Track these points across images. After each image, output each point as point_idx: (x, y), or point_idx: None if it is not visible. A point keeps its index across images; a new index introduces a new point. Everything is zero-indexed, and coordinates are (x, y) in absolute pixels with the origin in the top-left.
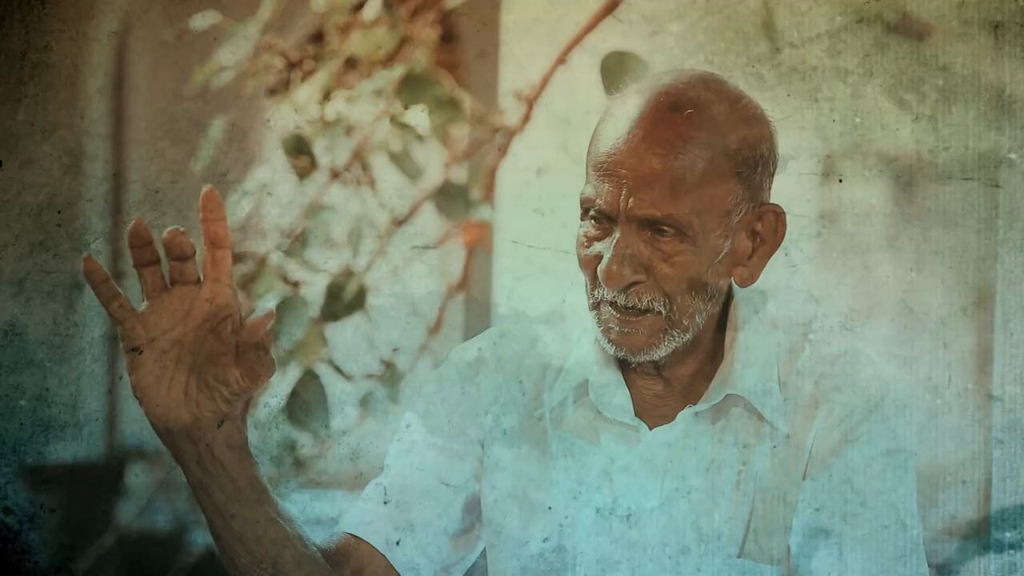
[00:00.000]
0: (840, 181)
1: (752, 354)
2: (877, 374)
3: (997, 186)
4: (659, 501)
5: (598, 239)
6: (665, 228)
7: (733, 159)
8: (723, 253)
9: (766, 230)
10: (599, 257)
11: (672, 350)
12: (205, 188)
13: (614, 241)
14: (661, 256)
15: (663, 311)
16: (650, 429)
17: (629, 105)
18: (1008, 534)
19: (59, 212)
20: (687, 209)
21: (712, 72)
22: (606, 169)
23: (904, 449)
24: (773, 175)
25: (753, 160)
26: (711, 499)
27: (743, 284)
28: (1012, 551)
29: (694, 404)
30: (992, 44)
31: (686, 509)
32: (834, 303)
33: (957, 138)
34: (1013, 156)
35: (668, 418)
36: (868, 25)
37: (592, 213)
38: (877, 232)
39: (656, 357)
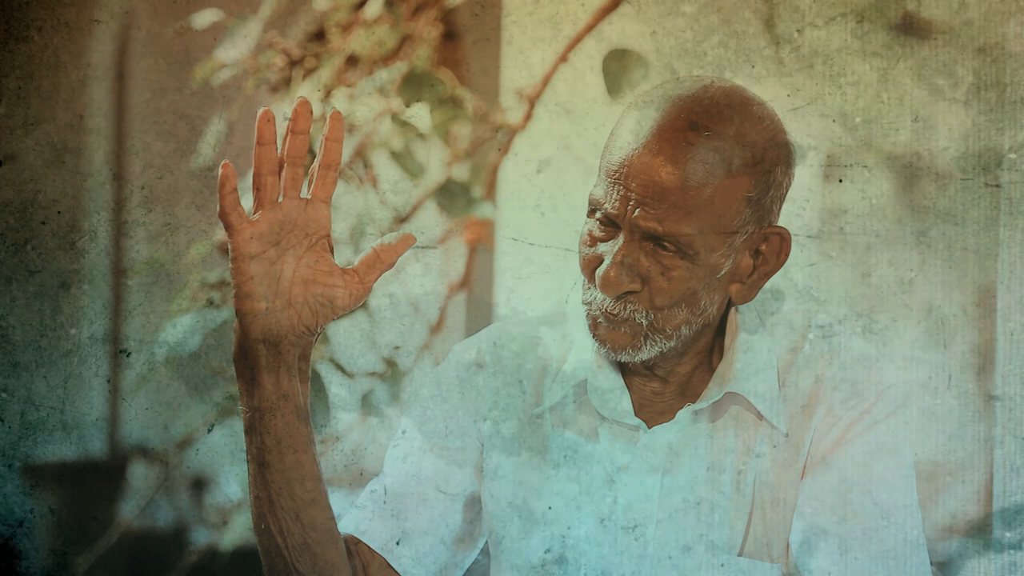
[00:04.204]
0: (840, 182)
1: (751, 353)
2: (876, 373)
3: (997, 186)
4: (659, 504)
5: (602, 240)
6: (667, 244)
7: (745, 183)
8: (723, 272)
9: (770, 251)
10: (600, 259)
11: (658, 354)
12: (332, 110)
13: (616, 247)
14: (660, 269)
15: (644, 322)
16: (649, 428)
17: (649, 114)
18: (1008, 534)
19: (43, 209)
20: (691, 229)
21: (738, 86)
22: (617, 176)
23: (903, 447)
24: (784, 198)
25: (765, 185)
26: (711, 497)
27: (739, 301)
28: (1012, 551)
29: (693, 402)
30: (995, 42)
31: (686, 508)
32: (834, 303)
33: (957, 138)
34: (1013, 156)
35: (667, 415)
36: (876, 22)
37: (599, 215)
38: (877, 232)
39: (639, 359)
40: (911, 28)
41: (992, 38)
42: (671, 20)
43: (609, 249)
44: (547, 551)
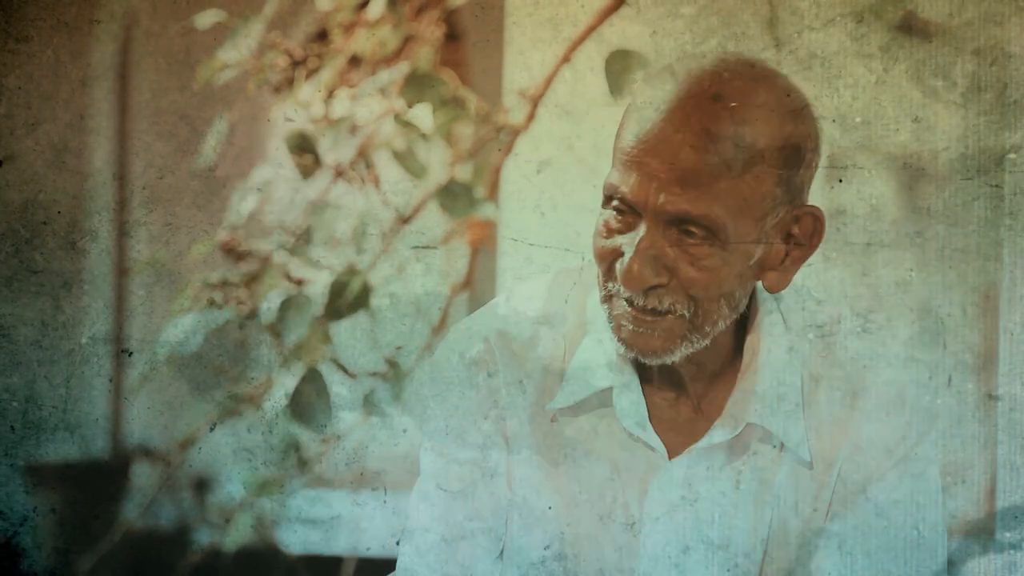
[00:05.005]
0: (840, 181)
1: (773, 371)
2: (874, 374)
3: (997, 186)
4: (659, 502)
5: (620, 232)
6: (694, 229)
7: (775, 159)
8: (755, 259)
9: (803, 233)
10: (618, 251)
11: (687, 355)
12: None
13: (638, 238)
14: (688, 259)
15: (686, 314)
16: (662, 437)
17: (666, 89)
18: (1009, 534)
19: (44, 209)
20: (722, 209)
21: (760, 59)
22: (635, 157)
23: (900, 447)
24: (814, 175)
25: (796, 160)
26: (711, 496)
27: (773, 290)
28: (1012, 551)
29: (708, 420)
30: (994, 43)
31: (685, 504)
32: (833, 303)
33: (957, 138)
34: (1013, 156)
35: (681, 423)
36: (875, 21)
37: (615, 203)
38: (877, 232)
39: (669, 361)
40: (910, 29)
41: (991, 39)
42: (671, 22)
43: (629, 240)
44: (547, 548)
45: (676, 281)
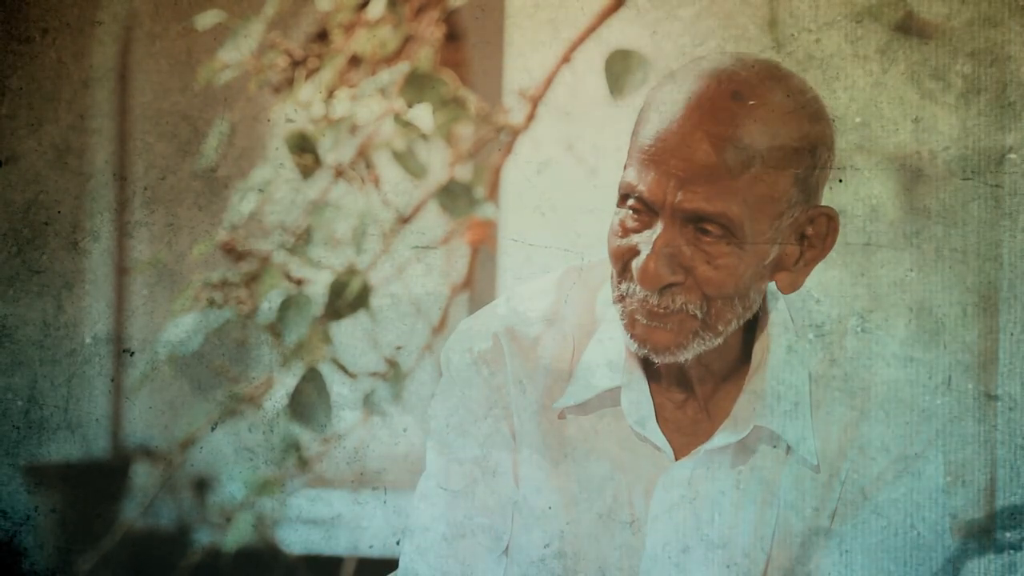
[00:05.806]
0: (840, 182)
1: (782, 375)
2: (872, 374)
3: (997, 186)
4: (660, 500)
5: (636, 231)
6: (710, 228)
7: (792, 158)
8: (769, 259)
9: (816, 234)
10: (634, 250)
11: (697, 354)
12: None
13: (654, 236)
14: (704, 257)
15: (699, 314)
16: (667, 438)
17: (686, 87)
18: (1008, 534)
19: (46, 210)
20: (739, 208)
21: (777, 61)
22: (653, 155)
23: (895, 446)
24: (828, 176)
25: (812, 160)
26: (711, 495)
27: (786, 291)
28: (1012, 551)
29: (716, 421)
30: (992, 44)
31: (683, 503)
32: (832, 303)
33: (957, 138)
34: (1013, 156)
35: (687, 425)
36: (874, 23)
37: (631, 202)
38: (875, 232)
39: (680, 359)
40: (908, 31)
41: (989, 40)
42: (669, 24)
43: (645, 239)
44: (547, 546)
45: (692, 279)
